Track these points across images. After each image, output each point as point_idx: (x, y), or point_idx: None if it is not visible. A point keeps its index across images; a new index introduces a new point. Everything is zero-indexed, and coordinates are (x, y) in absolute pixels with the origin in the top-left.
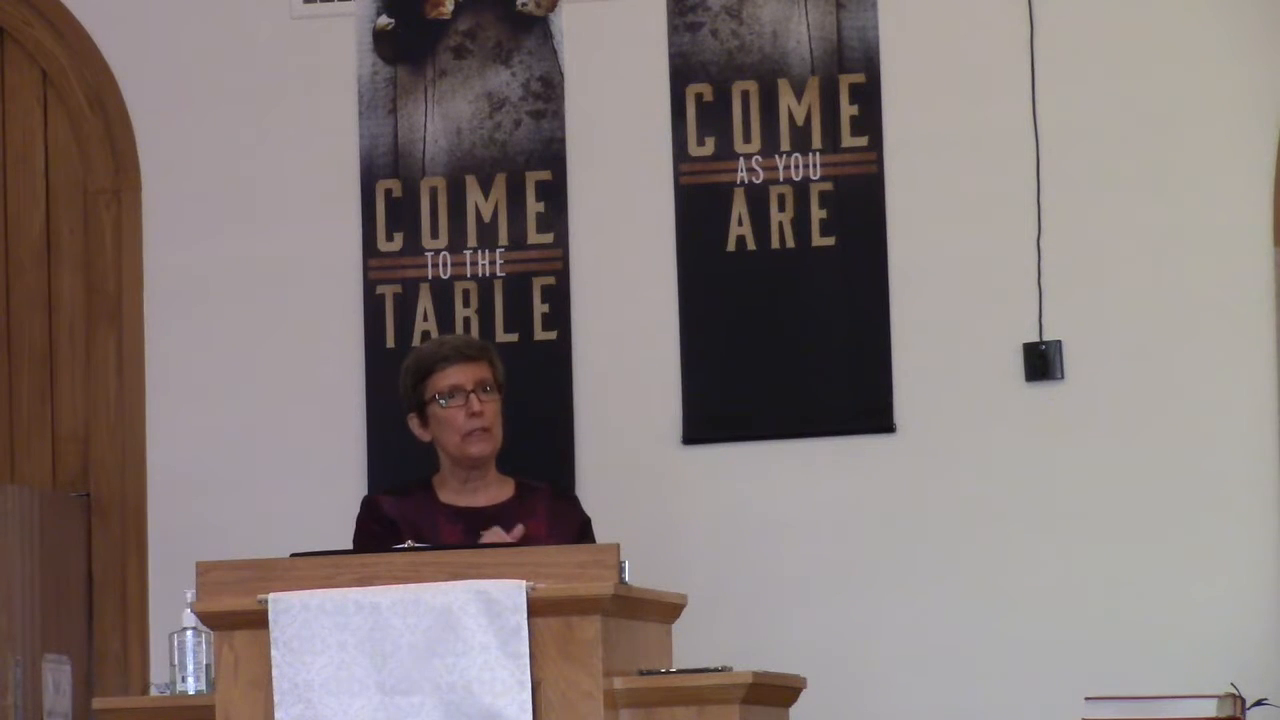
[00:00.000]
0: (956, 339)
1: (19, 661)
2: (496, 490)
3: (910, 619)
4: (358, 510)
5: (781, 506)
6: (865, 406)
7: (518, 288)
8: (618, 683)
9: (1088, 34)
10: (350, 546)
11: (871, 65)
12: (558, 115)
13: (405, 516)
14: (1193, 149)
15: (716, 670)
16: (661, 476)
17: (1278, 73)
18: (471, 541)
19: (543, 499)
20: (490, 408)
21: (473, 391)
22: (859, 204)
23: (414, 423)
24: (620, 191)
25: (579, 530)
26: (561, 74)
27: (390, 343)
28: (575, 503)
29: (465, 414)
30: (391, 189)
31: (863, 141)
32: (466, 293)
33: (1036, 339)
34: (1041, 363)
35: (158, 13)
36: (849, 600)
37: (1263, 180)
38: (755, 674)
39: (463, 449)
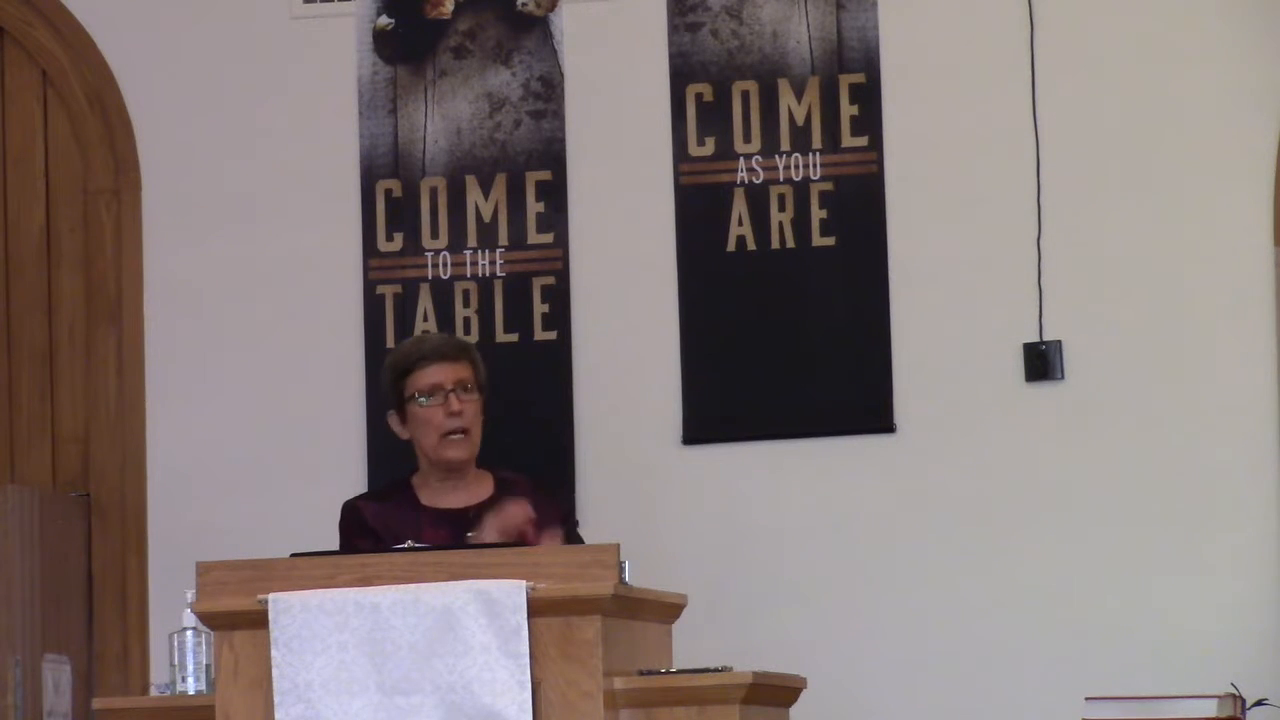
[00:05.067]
0: (956, 339)
1: (19, 661)
2: (476, 488)
3: (910, 619)
4: (339, 517)
5: (781, 506)
6: (865, 406)
7: (518, 288)
8: (618, 683)
9: (1088, 34)
10: None
11: (871, 65)
12: (558, 115)
13: (388, 524)
14: (1193, 149)
15: (716, 670)
16: (661, 476)
17: (1278, 73)
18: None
19: (523, 493)
20: (470, 408)
21: (452, 391)
22: (859, 204)
23: (394, 421)
24: (620, 191)
25: (562, 523)
26: (561, 74)
27: (390, 343)
28: (556, 496)
29: (444, 413)
30: (391, 189)
31: (863, 141)
32: (466, 293)
33: (1036, 339)
34: (1041, 363)
35: (158, 13)
36: (849, 600)
37: (1263, 180)
38: (755, 674)
39: (439, 452)
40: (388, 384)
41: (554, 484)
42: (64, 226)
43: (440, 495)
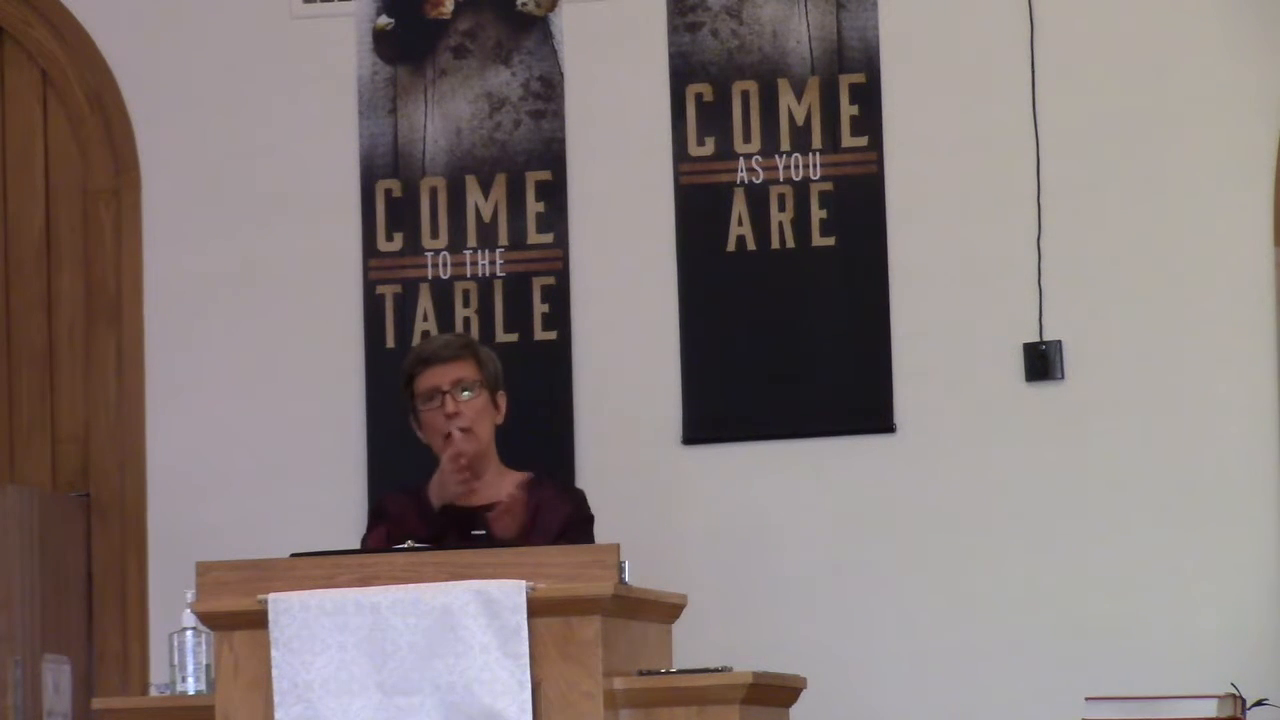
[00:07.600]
0: (956, 339)
1: (19, 661)
2: (496, 488)
3: (910, 619)
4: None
5: (781, 506)
6: (865, 406)
7: (518, 288)
8: (617, 683)
9: (1088, 34)
10: (350, 546)
11: (871, 65)
12: (558, 115)
13: (403, 515)
14: (1193, 149)
15: (716, 670)
16: (661, 476)
17: (1278, 73)
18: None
19: (546, 495)
20: (470, 406)
21: (448, 392)
22: (859, 204)
23: (413, 425)
24: (620, 191)
25: (562, 524)
26: (561, 74)
27: (390, 343)
28: (575, 500)
29: (443, 416)
30: (391, 189)
31: (863, 141)
32: (466, 293)
33: (1036, 339)
34: (1041, 363)
35: (158, 13)
36: (849, 600)
37: (1263, 180)
38: (755, 674)
39: (445, 451)
40: (401, 391)
41: (577, 490)
42: (64, 226)
43: (457, 496)
